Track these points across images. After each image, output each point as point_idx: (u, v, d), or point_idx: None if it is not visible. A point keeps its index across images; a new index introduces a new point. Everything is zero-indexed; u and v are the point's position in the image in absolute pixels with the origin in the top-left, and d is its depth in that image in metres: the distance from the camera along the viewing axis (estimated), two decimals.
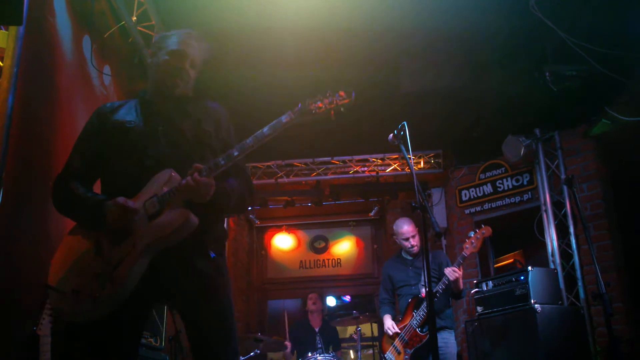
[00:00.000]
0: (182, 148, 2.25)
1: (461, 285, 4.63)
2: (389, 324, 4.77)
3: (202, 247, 2.22)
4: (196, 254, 2.20)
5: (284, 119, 2.17)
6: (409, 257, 4.99)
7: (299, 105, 2.18)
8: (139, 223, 2.08)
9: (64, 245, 2.21)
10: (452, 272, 4.49)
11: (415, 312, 4.60)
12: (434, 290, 4.46)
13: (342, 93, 2.19)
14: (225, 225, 2.38)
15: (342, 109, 2.20)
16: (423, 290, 4.67)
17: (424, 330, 4.51)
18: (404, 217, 5.07)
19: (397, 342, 4.66)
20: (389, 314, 4.94)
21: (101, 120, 2.35)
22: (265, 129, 2.16)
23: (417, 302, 4.66)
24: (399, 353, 4.63)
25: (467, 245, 4.59)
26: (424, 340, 4.50)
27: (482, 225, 4.70)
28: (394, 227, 5.04)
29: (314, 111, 2.16)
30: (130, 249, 2.04)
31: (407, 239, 4.90)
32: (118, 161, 2.23)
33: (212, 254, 2.24)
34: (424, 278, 4.43)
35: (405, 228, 4.91)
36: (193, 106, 2.40)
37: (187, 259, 2.17)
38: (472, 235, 4.63)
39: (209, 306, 2.17)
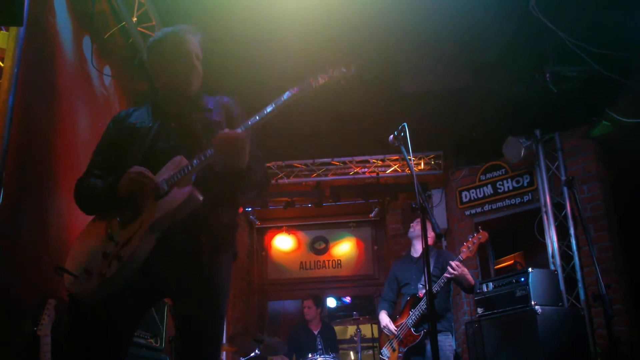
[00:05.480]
0: (192, 139, 2.30)
1: (471, 280, 4.60)
2: (385, 323, 4.81)
3: (214, 240, 2.24)
4: (206, 248, 2.21)
5: (286, 96, 2.22)
6: (416, 256, 5.00)
7: (299, 83, 2.25)
8: (147, 204, 2.12)
9: (81, 233, 2.27)
10: (456, 267, 4.44)
11: (412, 311, 4.61)
12: (434, 291, 4.45)
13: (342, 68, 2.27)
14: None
15: (342, 82, 2.27)
16: (421, 289, 4.67)
17: (419, 330, 4.54)
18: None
19: (393, 339, 4.72)
20: (385, 310, 4.97)
21: (116, 126, 2.43)
22: (267, 107, 2.20)
23: (415, 300, 4.66)
24: (394, 350, 4.69)
25: (464, 249, 4.54)
26: (417, 341, 4.54)
27: (480, 229, 4.65)
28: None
29: (314, 86, 2.22)
30: (137, 228, 2.08)
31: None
32: (131, 160, 2.28)
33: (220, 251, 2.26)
34: (424, 277, 4.43)
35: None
36: (204, 99, 2.47)
37: (195, 253, 2.18)
38: (470, 239, 4.58)
39: (204, 307, 2.17)
